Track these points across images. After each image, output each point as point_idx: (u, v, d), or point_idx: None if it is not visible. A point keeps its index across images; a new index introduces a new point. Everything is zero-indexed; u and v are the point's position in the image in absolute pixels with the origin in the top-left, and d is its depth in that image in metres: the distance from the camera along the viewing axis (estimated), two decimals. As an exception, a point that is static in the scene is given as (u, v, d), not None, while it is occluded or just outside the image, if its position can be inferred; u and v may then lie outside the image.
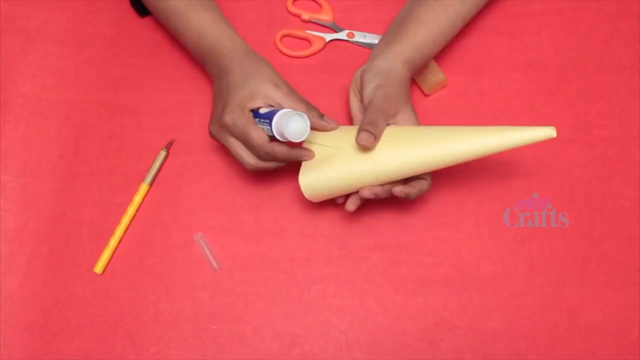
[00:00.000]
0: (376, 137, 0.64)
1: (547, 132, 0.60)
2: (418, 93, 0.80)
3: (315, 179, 0.67)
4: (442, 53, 0.77)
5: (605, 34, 0.83)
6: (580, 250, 0.74)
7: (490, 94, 0.80)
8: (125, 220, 0.74)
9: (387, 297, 0.72)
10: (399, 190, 0.65)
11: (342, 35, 0.83)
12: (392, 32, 0.74)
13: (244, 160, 0.67)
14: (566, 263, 0.73)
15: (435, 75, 0.78)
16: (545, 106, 0.80)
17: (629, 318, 0.71)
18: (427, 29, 0.72)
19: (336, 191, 0.68)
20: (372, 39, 0.82)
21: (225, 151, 0.78)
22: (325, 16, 0.84)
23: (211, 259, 0.73)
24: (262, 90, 0.66)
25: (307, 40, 0.83)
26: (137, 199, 0.75)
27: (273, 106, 0.66)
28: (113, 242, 0.74)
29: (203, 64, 0.74)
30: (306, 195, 0.68)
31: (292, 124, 0.62)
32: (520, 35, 0.83)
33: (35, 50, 0.82)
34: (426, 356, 0.70)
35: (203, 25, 0.72)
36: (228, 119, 0.66)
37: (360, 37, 0.83)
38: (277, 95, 0.66)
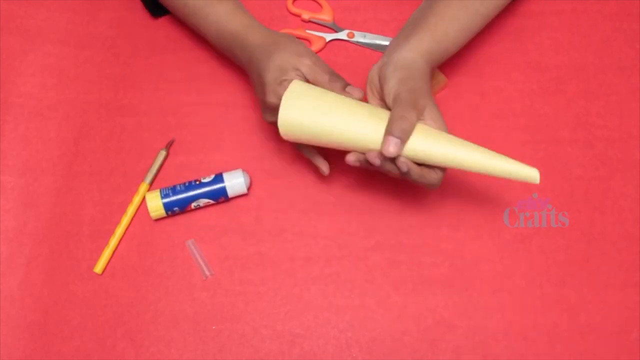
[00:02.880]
0: (404, 140, 0.60)
1: (531, 175, 0.61)
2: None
3: (300, 121, 0.63)
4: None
5: (605, 34, 0.83)
6: (580, 250, 0.74)
7: (490, 94, 0.80)
8: (125, 220, 0.74)
9: (387, 297, 0.72)
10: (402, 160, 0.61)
11: (342, 35, 0.83)
12: (409, 27, 0.71)
13: None
14: (566, 263, 0.73)
15: (436, 77, 0.78)
16: (545, 106, 0.80)
17: (629, 318, 0.71)
18: (446, 23, 0.70)
19: (325, 143, 0.64)
20: (372, 39, 0.82)
21: (225, 151, 0.78)
22: (325, 16, 0.84)
23: (202, 265, 0.73)
24: (289, 63, 0.65)
25: (307, 40, 0.83)
26: (137, 199, 0.75)
27: (305, 77, 0.66)
28: (113, 242, 0.74)
29: (230, 57, 0.74)
30: (283, 132, 0.64)
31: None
32: (520, 36, 0.83)
33: (35, 50, 0.82)
34: (426, 356, 0.70)
35: (220, 19, 0.72)
36: (271, 98, 0.65)
37: (360, 37, 0.83)
38: (302, 66, 0.65)
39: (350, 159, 0.64)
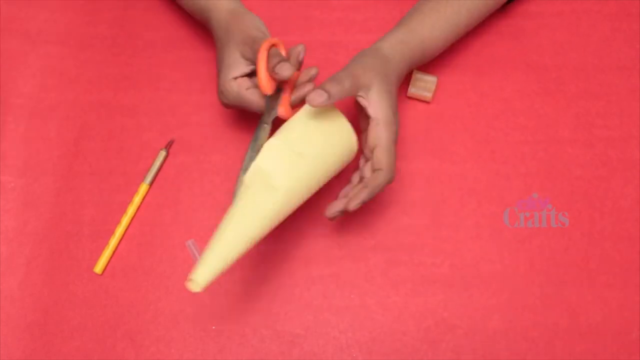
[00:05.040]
0: (331, 97, 0.59)
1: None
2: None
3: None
4: (442, 53, 0.77)
5: (605, 34, 0.83)
6: (580, 250, 0.74)
7: (490, 94, 0.80)
8: (125, 220, 0.74)
9: (387, 297, 0.72)
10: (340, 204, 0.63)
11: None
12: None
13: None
14: (566, 263, 0.73)
15: (423, 79, 0.78)
16: (545, 106, 0.80)
17: (629, 318, 0.71)
18: (423, 14, 0.70)
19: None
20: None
21: (225, 151, 0.78)
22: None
23: None
24: (235, 58, 0.66)
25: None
26: (137, 199, 0.75)
27: (254, 62, 0.66)
28: (113, 242, 0.74)
29: (205, 27, 0.75)
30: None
31: None
32: (520, 36, 0.83)
33: (35, 50, 0.82)
34: (426, 356, 0.70)
35: None
36: (222, 98, 0.69)
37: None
38: (247, 55, 0.66)
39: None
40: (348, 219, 0.75)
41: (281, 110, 0.67)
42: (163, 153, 0.77)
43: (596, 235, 0.74)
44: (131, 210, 0.75)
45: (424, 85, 0.78)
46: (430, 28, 0.71)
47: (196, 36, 0.83)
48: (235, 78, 0.67)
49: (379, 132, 0.63)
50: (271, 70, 0.63)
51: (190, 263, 0.73)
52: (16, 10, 0.84)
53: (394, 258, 0.73)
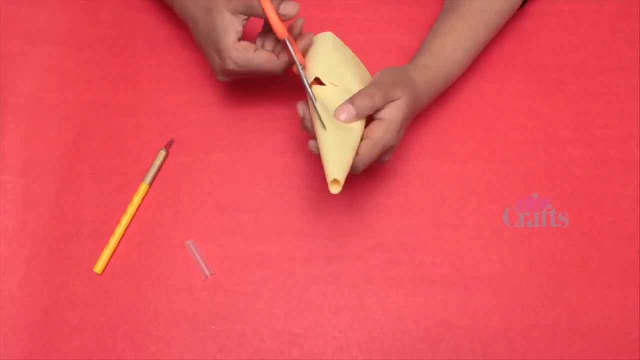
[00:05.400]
0: (359, 116, 0.61)
1: None
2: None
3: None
4: (442, 53, 0.77)
5: (605, 34, 0.83)
6: (580, 250, 0.74)
7: (490, 94, 0.80)
8: (125, 220, 0.74)
9: (387, 297, 0.72)
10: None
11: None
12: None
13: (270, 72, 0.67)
14: (566, 263, 0.73)
15: None
16: (545, 106, 0.80)
17: (629, 318, 0.71)
18: (442, 36, 0.70)
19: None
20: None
21: (225, 151, 0.78)
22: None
23: (202, 265, 0.73)
24: (228, 18, 0.64)
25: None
26: (137, 199, 0.75)
27: (249, 14, 0.64)
28: (113, 242, 0.74)
29: (171, 7, 0.73)
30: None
31: None
32: (520, 36, 0.83)
33: (35, 50, 0.82)
34: (426, 356, 0.70)
35: None
36: (230, 66, 0.65)
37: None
38: (238, 9, 0.64)
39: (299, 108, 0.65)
40: (348, 219, 0.75)
41: (300, 58, 0.66)
42: (163, 153, 0.77)
43: (596, 235, 0.74)
44: (131, 210, 0.75)
45: None
46: (452, 50, 0.70)
47: (196, 36, 0.83)
48: (238, 40, 0.65)
49: (380, 130, 0.63)
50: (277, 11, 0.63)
51: (190, 263, 0.73)
52: (16, 10, 0.84)
53: (394, 258, 0.73)
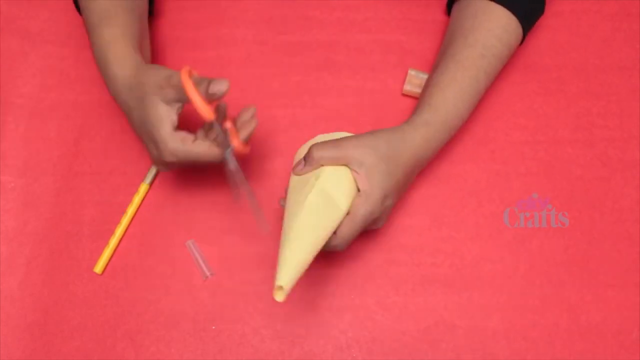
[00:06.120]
0: (308, 162, 0.63)
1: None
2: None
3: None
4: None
5: (605, 34, 0.83)
6: (580, 250, 0.74)
7: (490, 94, 0.80)
8: (125, 220, 0.74)
9: (387, 297, 0.72)
10: None
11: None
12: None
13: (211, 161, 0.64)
14: (566, 263, 0.73)
15: None
16: (545, 106, 0.80)
17: (629, 318, 0.71)
18: (444, 90, 0.68)
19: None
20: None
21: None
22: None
23: (202, 265, 0.73)
24: (160, 108, 0.60)
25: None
26: (137, 199, 0.75)
27: (180, 100, 0.61)
28: (113, 242, 0.74)
29: (108, 86, 0.67)
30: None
31: None
32: (520, 36, 0.83)
33: (35, 50, 0.82)
34: (426, 356, 0.70)
35: (101, 43, 0.66)
36: (168, 158, 0.62)
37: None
38: (169, 97, 0.60)
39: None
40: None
41: (236, 143, 0.63)
42: (163, 153, 0.77)
43: (596, 235, 0.74)
44: (131, 210, 0.75)
45: (420, 83, 0.78)
46: (453, 102, 0.68)
47: (196, 36, 0.83)
48: (175, 130, 0.61)
49: (358, 204, 0.62)
50: (206, 93, 0.59)
51: (190, 263, 0.73)
52: (16, 10, 0.84)
53: (394, 258, 0.73)
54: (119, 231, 0.74)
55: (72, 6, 0.84)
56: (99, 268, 0.73)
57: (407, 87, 0.78)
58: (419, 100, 0.71)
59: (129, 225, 0.75)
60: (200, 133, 0.65)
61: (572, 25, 0.83)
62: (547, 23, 0.83)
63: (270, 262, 0.74)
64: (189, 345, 0.71)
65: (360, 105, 0.79)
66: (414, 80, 0.78)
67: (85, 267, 0.73)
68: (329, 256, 0.74)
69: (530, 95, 0.80)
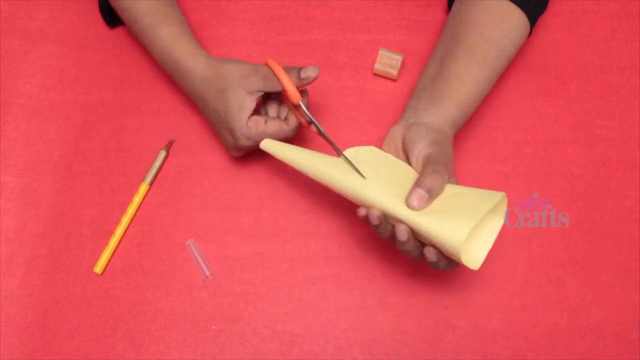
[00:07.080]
0: (432, 196, 0.58)
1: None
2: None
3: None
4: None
5: (605, 34, 0.83)
6: (580, 250, 0.74)
7: (491, 94, 0.80)
8: (125, 220, 0.74)
9: (387, 297, 0.72)
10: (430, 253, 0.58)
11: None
12: (429, 86, 0.69)
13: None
14: (566, 263, 0.73)
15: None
16: (545, 106, 0.80)
17: (629, 318, 0.71)
18: (467, 87, 0.68)
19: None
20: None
21: (225, 151, 0.78)
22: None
23: (202, 265, 0.73)
24: (241, 96, 0.65)
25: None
26: (137, 199, 0.75)
27: (262, 89, 0.66)
28: (113, 242, 0.74)
29: (175, 82, 0.73)
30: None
31: None
32: (520, 36, 0.83)
33: (35, 50, 0.82)
34: (426, 356, 0.70)
35: (164, 44, 0.70)
36: (244, 142, 0.67)
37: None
38: (253, 85, 0.65)
39: (361, 213, 0.61)
40: (348, 219, 0.75)
41: (302, 120, 0.68)
42: (163, 153, 0.77)
43: (596, 235, 0.74)
44: (131, 210, 0.75)
45: (390, 62, 0.78)
46: (475, 100, 0.69)
47: (196, 36, 0.83)
48: (249, 118, 0.66)
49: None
50: (297, 79, 0.64)
51: (190, 263, 0.74)
52: (16, 10, 0.84)
53: (394, 258, 0.73)
54: (119, 231, 0.74)
55: (72, 6, 0.84)
56: (99, 268, 0.73)
57: (378, 67, 0.79)
58: (441, 86, 0.68)
59: (128, 225, 0.75)
60: (262, 110, 0.71)
61: (572, 25, 0.83)
62: (547, 23, 0.83)
63: (271, 262, 0.74)
64: (189, 345, 0.71)
65: (360, 105, 0.79)
66: (384, 59, 0.78)
67: (85, 267, 0.73)
68: (329, 256, 0.74)
69: (530, 95, 0.80)
